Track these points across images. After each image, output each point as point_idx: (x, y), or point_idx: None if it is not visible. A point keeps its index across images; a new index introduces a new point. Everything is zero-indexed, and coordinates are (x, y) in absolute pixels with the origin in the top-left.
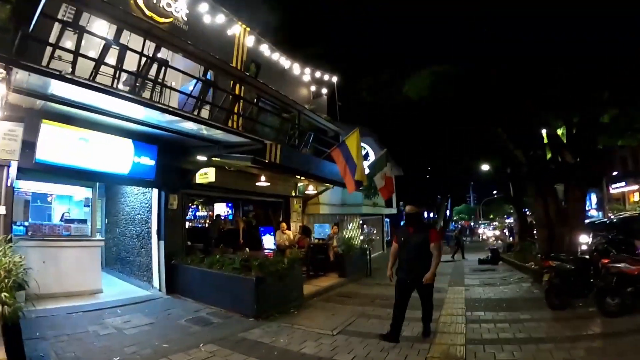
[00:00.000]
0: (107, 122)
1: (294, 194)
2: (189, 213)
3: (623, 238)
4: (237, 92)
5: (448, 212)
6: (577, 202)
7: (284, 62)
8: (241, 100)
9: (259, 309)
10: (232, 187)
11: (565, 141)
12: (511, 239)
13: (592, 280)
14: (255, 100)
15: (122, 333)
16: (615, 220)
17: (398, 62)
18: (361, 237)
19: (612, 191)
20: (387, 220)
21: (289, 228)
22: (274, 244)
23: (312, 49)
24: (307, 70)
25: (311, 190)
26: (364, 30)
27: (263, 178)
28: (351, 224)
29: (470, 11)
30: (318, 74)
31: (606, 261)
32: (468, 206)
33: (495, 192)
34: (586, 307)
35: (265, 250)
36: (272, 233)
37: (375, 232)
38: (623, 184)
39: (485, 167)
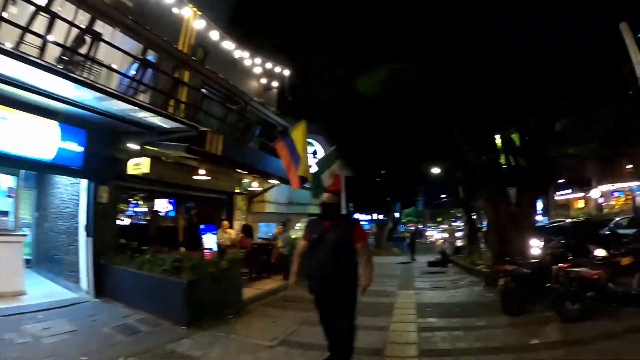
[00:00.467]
0: (30, 100)
1: (238, 191)
2: (129, 209)
3: (578, 242)
4: (180, 76)
5: (397, 214)
6: (528, 206)
7: (235, 50)
8: (185, 87)
9: (192, 315)
10: (171, 181)
11: (519, 145)
12: (459, 242)
13: (548, 284)
14: (200, 87)
15: (40, 342)
16: (566, 224)
17: (356, 58)
18: None
19: (557, 198)
20: None
21: (232, 227)
22: (216, 243)
23: (269, 41)
24: (259, 61)
25: (256, 186)
26: (326, 23)
27: (202, 171)
28: (299, 224)
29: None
30: (270, 65)
31: (565, 265)
32: (417, 209)
33: (443, 196)
34: (543, 312)
35: (206, 251)
36: (214, 232)
37: None
38: (569, 191)
39: (436, 171)
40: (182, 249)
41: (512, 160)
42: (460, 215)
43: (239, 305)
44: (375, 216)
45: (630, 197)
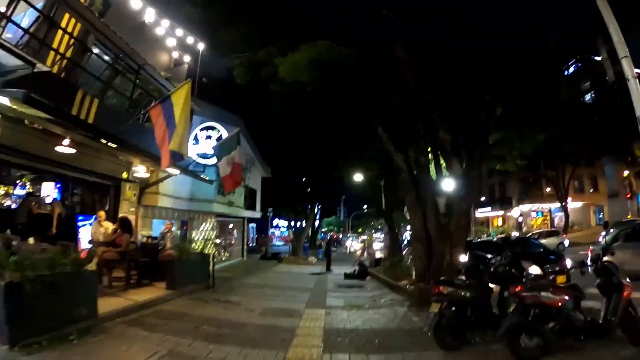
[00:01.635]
0: None
1: (126, 177)
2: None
3: (511, 260)
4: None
5: (317, 222)
6: (461, 217)
7: (144, 12)
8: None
9: (16, 332)
10: (36, 154)
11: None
12: (379, 253)
13: (493, 310)
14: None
15: None
16: (497, 240)
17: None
18: (217, 241)
19: (477, 215)
20: (253, 225)
21: (113, 220)
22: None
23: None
24: (171, 30)
25: (143, 173)
26: None
27: (66, 142)
28: (205, 224)
29: None
30: (182, 34)
31: (519, 289)
32: (338, 218)
33: (365, 207)
34: (488, 345)
35: (82, 245)
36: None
37: (235, 236)
38: (489, 209)
39: (358, 177)
40: (31, 240)
41: (443, 164)
42: (381, 226)
43: (93, 320)
44: (293, 223)
45: (547, 217)
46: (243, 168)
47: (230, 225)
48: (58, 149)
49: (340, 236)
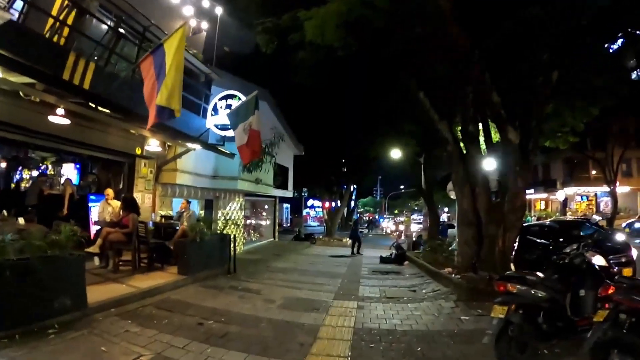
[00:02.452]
0: None
1: (140, 153)
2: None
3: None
4: None
5: (353, 203)
6: (516, 197)
7: None
8: None
9: None
10: (36, 129)
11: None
12: (417, 234)
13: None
14: None
15: None
16: (553, 224)
17: None
18: (246, 221)
19: None
20: (287, 205)
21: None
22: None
23: None
24: None
25: (156, 147)
26: None
27: (60, 111)
28: (232, 204)
29: None
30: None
31: (611, 290)
32: (374, 199)
33: (402, 187)
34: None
35: (94, 226)
36: None
37: (265, 216)
38: (532, 191)
39: (396, 154)
40: (20, 220)
41: (496, 135)
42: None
43: (80, 311)
44: (328, 204)
45: (593, 202)
46: (270, 142)
47: (262, 205)
48: (52, 119)
49: (377, 217)
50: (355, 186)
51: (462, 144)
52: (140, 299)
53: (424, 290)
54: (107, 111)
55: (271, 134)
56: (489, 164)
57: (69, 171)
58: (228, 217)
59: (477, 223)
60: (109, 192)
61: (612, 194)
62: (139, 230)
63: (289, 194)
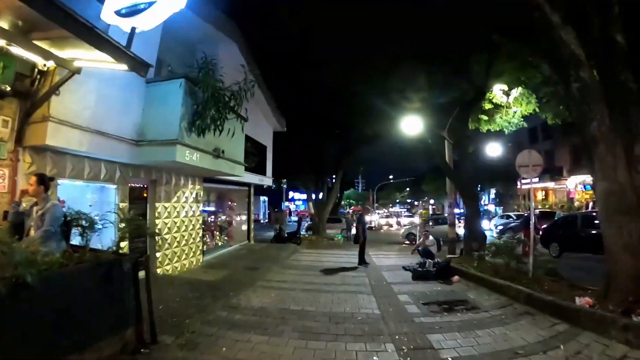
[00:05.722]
0: None
1: None
2: None
3: None
4: None
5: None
6: None
7: None
8: None
9: None
10: None
11: None
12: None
13: None
14: None
15: None
16: None
17: None
18: (208, 221)
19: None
20: (265, 198)
21: None
22: None
23: None
24: None
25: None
26: None
27: None
28: (180, 195)
29: None
30: None
31: None
32: (357, 191)
33: (391, 177)
34: None
35: None
36: None
37: (235, 211)
38: (537, 179)
39: (411, 127)
40: None
41: None
42: (403, 199)
43: None
44: (314, 196)
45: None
46: (240, 87)
47: (231, 197)
48: None
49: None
50: (344, 174)
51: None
52: None
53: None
54: None
55: (240, 76)
56: None
57: None
58: (175, 216)
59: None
60: None
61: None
62: None
63: (267, 181)
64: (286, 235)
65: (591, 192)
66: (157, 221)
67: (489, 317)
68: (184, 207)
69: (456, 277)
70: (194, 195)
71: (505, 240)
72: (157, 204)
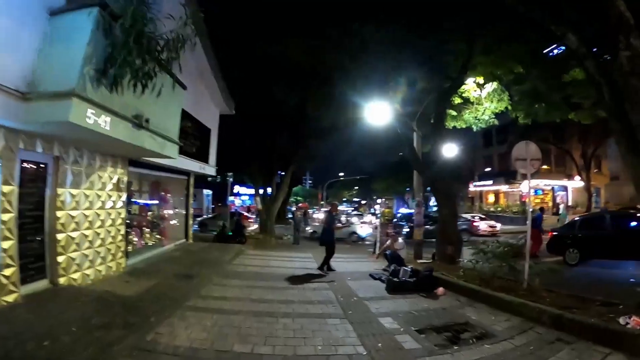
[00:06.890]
0: None
1: None
2: None
3: None
4: None
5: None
6: None
7: None
8: None
9: None
10: None
11: None
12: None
13: None
14: None
15: None
16: None
17: None
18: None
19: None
20: (209, 192)
21: None
22: None
23: None
24: None
25: None
26: None
27: None
28: (96, 179)
29: None
30: None
31: None
32: (304, 188)
33: (342, 174)
34: None
35: None
36: None
37: (172, 205)
38: (490, 182)
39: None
40: None
41: None
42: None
43: None
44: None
45: (548, 196)
46: (176, 35)
47: (165, 187)
48: None
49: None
50: (294, 169)
51: None
52: None
53: None
54: None
55: (175, 23)
56: None
57: None
58: (87, 207)
59: None
60: None
61: (587, 190)
62: None
63: (210, 170)
64: (229, 232)
65: (542, 196)
66: (59, 213)
67: (516, 350)
68: (99, 196)
69: (441, 289)
70: (114, 180)
71: (501, 242)
72: (60, 190)
